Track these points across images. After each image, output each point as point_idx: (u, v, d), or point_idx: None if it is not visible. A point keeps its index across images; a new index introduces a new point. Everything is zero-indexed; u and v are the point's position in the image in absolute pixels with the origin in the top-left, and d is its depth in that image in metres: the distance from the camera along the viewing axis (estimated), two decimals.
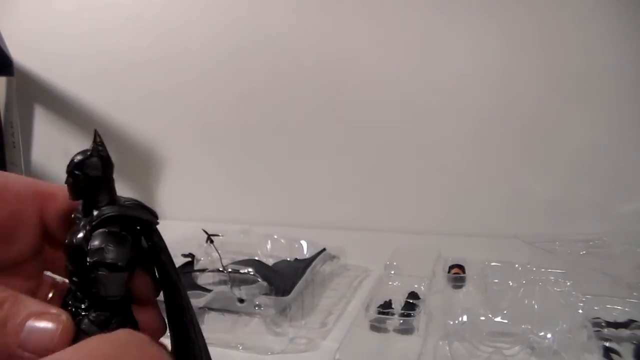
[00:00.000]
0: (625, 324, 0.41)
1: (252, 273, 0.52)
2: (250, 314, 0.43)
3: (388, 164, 0.79)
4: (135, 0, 0.85)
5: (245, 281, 0.51)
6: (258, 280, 0.50)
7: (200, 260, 0.58)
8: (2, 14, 0.90)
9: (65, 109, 0.89)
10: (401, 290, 0.48)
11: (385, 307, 0.45)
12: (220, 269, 0.52)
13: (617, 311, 0.43)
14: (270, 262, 0.57)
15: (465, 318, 0.42)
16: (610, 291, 0.49)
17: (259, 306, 0.43)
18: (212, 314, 0.44)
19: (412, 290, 0.48)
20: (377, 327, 0.43)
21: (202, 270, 0.54)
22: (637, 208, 0.71)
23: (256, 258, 0.58)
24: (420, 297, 0.47)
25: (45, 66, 0.90)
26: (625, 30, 0.69)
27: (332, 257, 0.57)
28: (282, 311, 0.43)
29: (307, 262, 0.54)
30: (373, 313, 0.44)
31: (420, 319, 0.42)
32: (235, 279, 0.51)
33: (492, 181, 0.75)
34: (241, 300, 0.44)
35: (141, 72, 0.86)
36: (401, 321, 0.42)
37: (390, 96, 0.77)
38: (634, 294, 0.48)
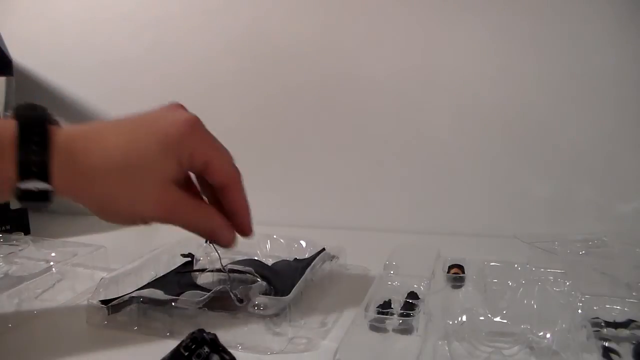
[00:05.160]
0: (625, 324, 0.41)
1: (251, 273, 0.51)
2: (249, 314, 0.43)
3: (387, 163, 0.79)
4: (135, 1, 0.85)
5: (244, 281, 0.50)
6: (257, 280, 0.50)
7: (199, 260, 0.58)
8: (2, 14, 0.90)
9: (65, 109, 0.89)
10: (400, 290, 0.48)
11: (385, 307, 0.45)
12: (220, 269, 0.52)
13: (617, 311, 0.43)
14: (269, 262, 0.57)
15: (464, 318, 0.42)
16: (609, 291, 0.49)
17: (259, 306, 0.43)
18: (211, 313, 0.44)
19: (411, 290, 0.48)
20: (376, 327, 0.43)
21: (202, 270, 0.54)
22: (637, 208, 0.71)
23: (255, 258, 0.58)
24: (420, 297, 0.47)
25: (45, 66, 0.90)
26: (625, 29, 0.69)
27: (332, 257, 0.57)
28: (282, 311, 0.43)
29: (307, 262, 0.54)
30: (372, 313, 0.44)
31: (419, 318, 0.42)
32: (234, 279, 0.50)
33: (492, 181, 0.75)
34: (240, 300, 0.44)
35: (141, 72, 0.86)
36: (400, 321, 0.42)
37: (390, 96, 0.77)
38: (633, 293, 0.48)
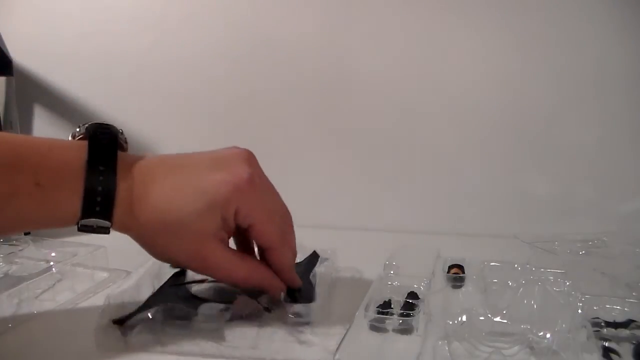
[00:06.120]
0: (625, 324, 0.41)
1: None
2: (274, 323, 0.42)
3: (387, 163, 0.79)
4: (135, 1, 0.85)
5: (250, 290, 0.47)
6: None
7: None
8: (2, 14, 0.90)
9: (65, 109, 0.89)
10: (400, 290, 0.48)
11: (385, 307, 0.45)
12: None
13: (617, 311, 0.43)
14: None
15: (464, 318, 0.42)
16: (609, 291, 0.49)
17: (294, 314, 0.41)
18: (235, 325, 0.42)
19: (411, 290, 0.48)
20: (376, 327, 0.43)
21: (201, 282, 0.49)
22: (637, 208, 0.71)
23: None
24: (420, 297, 0.47)
25: (45, 66, 0.90)
26: (626, 29, 0.69)
27: (324, 260, 0.55)
28: (310, 318, 0.42)
29: (307, 267, 0.52)
30: (372, 313, 0.44)
31: (419, 318, 0.42)
32: (239, 287, 0.47)
33: (492, 181, 0.75)
34: (268, 310, 0.42)
35: (141, 72, 0.86)
36: (400, 321, 0.42)
37: (389, 95, 0.77)
38: (633, 293, 0.49)
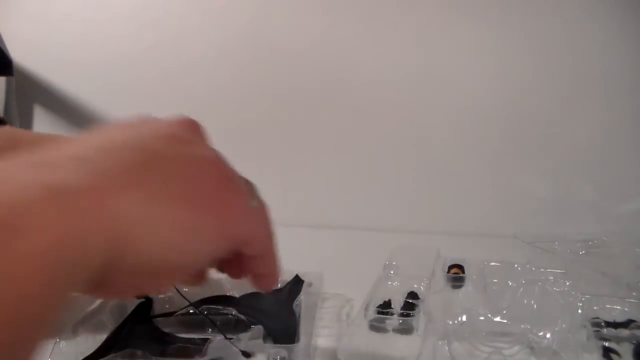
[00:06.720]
0: (625, 324, 0.41)
1: (233, 314, 0.43)
2: None
3: (387, 163, 0.79)
4: (135, 1, 0.85)
5: (228, 323, 0.43)
6: (238, 320, 0.43)
7: (158, 299, 0.45)
8: (2, 14, 0.90)
9: (65, 109, 0.89)
10: (400, 290, 0.48)
11: (385, 307, 0.45)
12: (192, 311, 0.42)
13: (617, 311, 0.43)
14: (236, 295, 0.47)
15: (464, 318, 0.42)
16: (609, 291, 0.49)
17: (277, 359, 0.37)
18: None
19: (411, 290, 0.48)
20: (376, 327, 0.43)
21: (168, 315, 0.44)
22: (637, 208, 0.71)
23: (227, 294, 0.47)
24: (420, 297, 0.47)
25: (45, 66, 0.90)
26: (626, 30, 0.69)
27: (308, 285, 0.49)
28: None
29: (286, 295, 0.46)
30: (372, 313, 0.44)
31: (419, 318, 0.42)
32: (215, 322, 0.41)
33: (492, 181, 0.75)
34: (247, 354, 0.37)
35: (142, 72, 0.86)
36: (400, 321, 0.42)
37: (389, 96, 0.77)
38: (633, 293, 0.48)
